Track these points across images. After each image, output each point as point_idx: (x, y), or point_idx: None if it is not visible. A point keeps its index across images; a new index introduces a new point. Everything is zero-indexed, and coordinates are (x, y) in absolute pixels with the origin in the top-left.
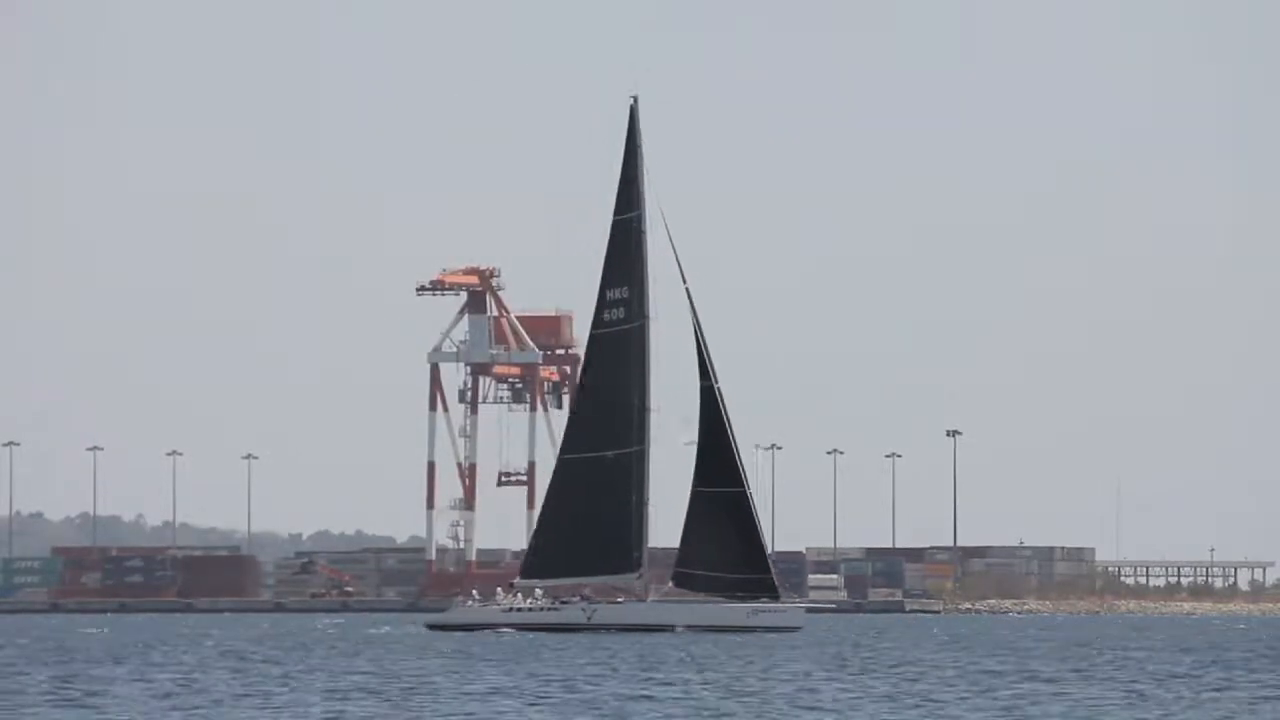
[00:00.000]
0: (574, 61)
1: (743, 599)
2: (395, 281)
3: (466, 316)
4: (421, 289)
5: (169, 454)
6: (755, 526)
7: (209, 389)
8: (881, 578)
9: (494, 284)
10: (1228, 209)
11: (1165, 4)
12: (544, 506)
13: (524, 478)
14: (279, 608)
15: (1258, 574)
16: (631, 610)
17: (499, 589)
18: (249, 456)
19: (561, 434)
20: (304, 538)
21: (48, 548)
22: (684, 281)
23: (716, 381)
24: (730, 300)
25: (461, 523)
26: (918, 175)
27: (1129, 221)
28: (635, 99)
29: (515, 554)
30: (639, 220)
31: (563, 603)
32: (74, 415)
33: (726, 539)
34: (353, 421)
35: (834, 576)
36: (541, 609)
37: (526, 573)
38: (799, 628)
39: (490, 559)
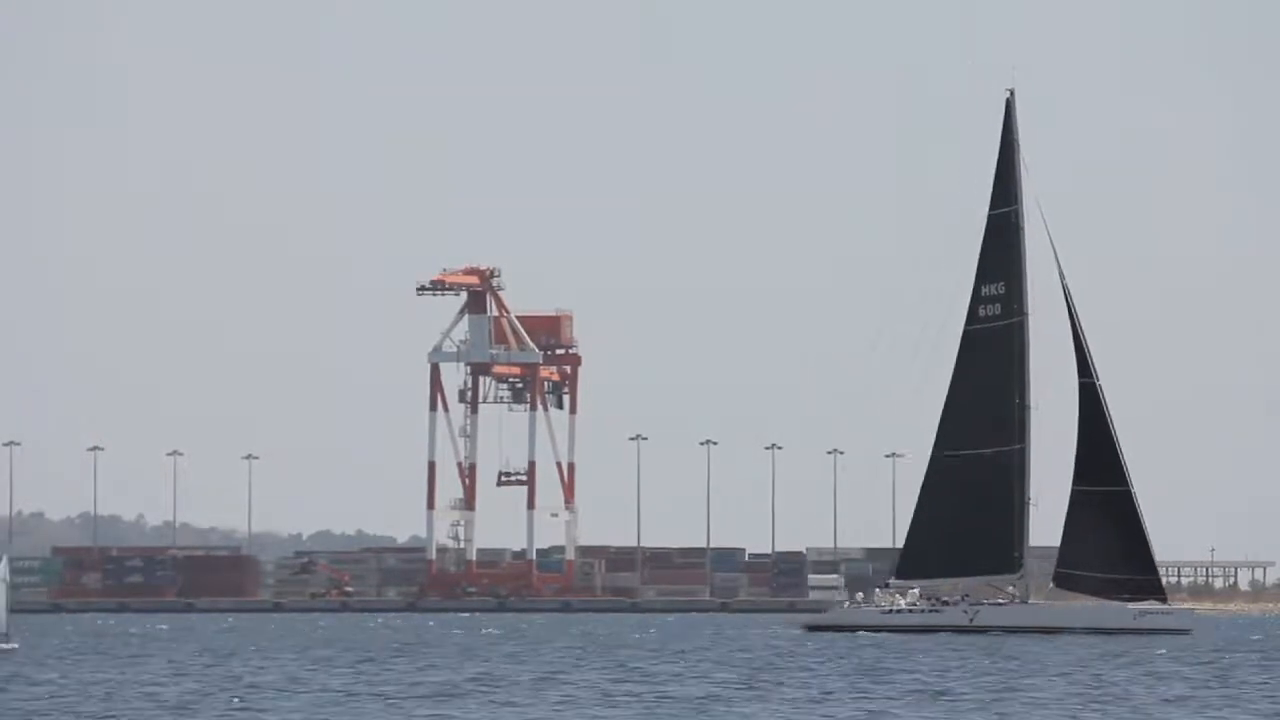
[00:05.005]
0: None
1: (1128, 600)
2: (395, 281)
3: (466, 316)
4: (421, 289)
5: (169, 454)
6: (1140, 526)
7: (209, 389)
8: (882, 577)
9: (494, 284)
10: (1228, 209)
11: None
12: (918, 505)
13: (524, 478)
14: (279, 608)
15: (1258, 574)
16: (1016, 612)
17: (877, 590)
18: (249, 456)
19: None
20: (304, 538)
21: (48, 548)
22: (1061, 277)
23: (1097, 379)
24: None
25: (461, 522)
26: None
27: (1129, 221)
28: (1011, 93)
29: (515, 554)
30: (1016, 215)
31: (944, 603)
32: (74, 415)
33: (1109, 539)
34: (353, 421)
35: (834, 576)
36: (922, 610)
37: (902, 573)
38: (1188, 630)
39: (490, 559)
